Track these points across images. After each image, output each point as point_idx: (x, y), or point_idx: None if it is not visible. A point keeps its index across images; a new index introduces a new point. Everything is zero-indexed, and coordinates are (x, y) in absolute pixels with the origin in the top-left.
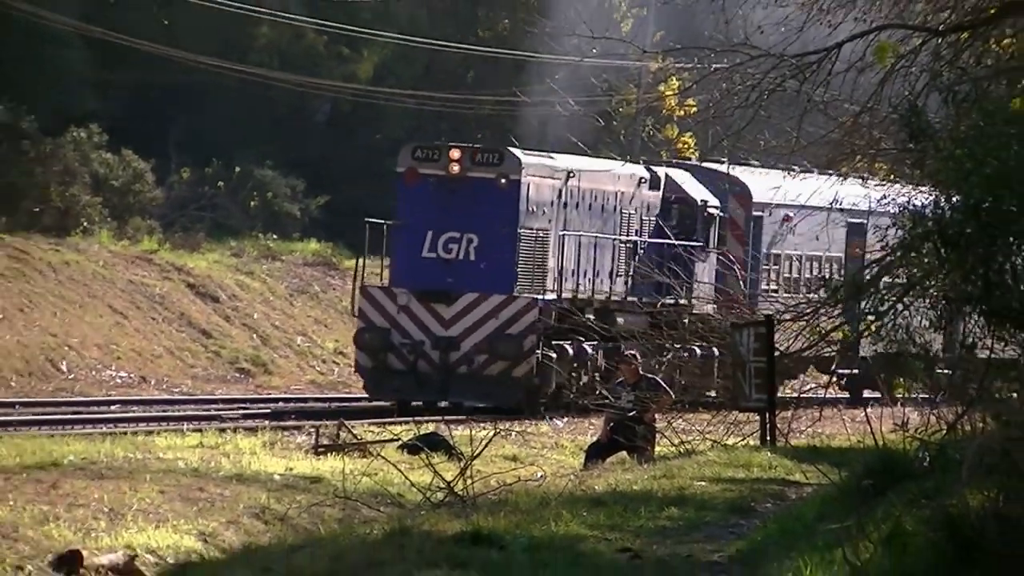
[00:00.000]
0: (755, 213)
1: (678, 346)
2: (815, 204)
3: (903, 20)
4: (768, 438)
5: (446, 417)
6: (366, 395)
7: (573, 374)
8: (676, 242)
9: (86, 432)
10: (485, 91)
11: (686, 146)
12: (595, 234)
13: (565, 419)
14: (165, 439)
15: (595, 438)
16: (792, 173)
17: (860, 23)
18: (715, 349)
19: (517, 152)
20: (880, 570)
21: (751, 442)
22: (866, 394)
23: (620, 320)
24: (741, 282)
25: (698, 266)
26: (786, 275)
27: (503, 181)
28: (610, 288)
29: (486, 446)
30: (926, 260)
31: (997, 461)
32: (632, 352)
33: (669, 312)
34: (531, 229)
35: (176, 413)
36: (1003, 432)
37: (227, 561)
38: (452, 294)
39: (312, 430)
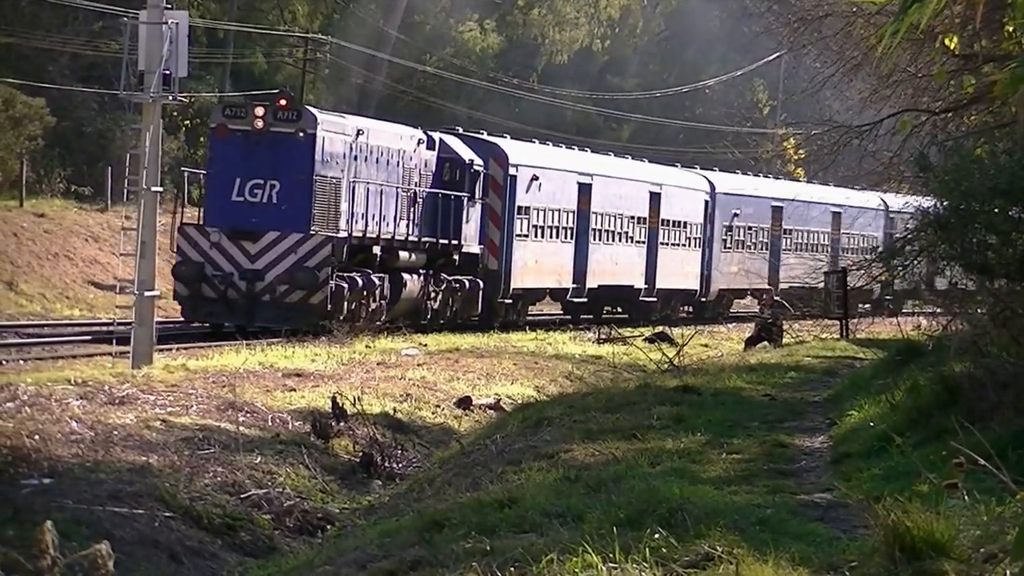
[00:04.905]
0: (511, 173)
1: (450, 278)
2: (558, 168)
3: (916, 106)
4: (844, 334)
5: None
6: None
7: (363, 301)
8: (449, 192)
9: (473, 331)
10: None
11: (798, 175)
12: (381, 183)
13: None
14: (515, 335)
15: (750, 334)
16: (538, 142)
17: (892, 107)
18: (479, 281)
19: (313, 110)
20: (905, 406)
21: (835, 336)
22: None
23: (402, 255)
24: (499, 228)
25: (465, 213)
26: (535, 223)
27: (301, 135)
28: (393, 229)
29: (691, 339)
30: (930, 237)
31: (969, 347)
32: (770, 288)
33: (443, 249)
34: (325, 177)
35: None
36: (972, 331)
37: (549, 401)
38: (257, 232)
39: (596, 329)
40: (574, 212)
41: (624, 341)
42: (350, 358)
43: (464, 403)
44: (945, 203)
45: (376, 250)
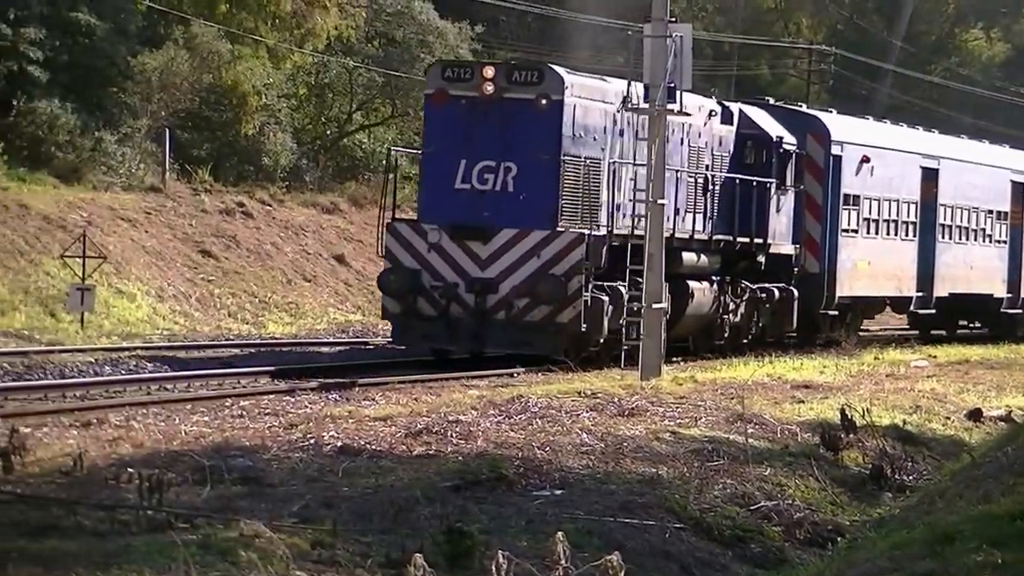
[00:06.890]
0: (834, 152)
1: (754, 286)
2: (895, 148)
3: None
4: None
5: None
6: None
7: (632, 318)
8: (750, 178)
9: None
10: None
11: None
12: None
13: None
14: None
15: None
16: (872, 119)
17: None
18: (793, 289)
19: (559, 70)
20: None
21: None
22: None
23: (687, 258)
24: (819, 222)
25: (774, 204)
26: (865, 216)
27: (543, 102)
28: (675, 224)
29: None
30: None
31: None
32: None
33: (743, 249)
34: (578, 157)
35: None
36: None
37: None
38: (488, 230)
39: None
40: (916, 203)
41: None
42: (859, 370)
43: (974, 415)
44: None
45: None
